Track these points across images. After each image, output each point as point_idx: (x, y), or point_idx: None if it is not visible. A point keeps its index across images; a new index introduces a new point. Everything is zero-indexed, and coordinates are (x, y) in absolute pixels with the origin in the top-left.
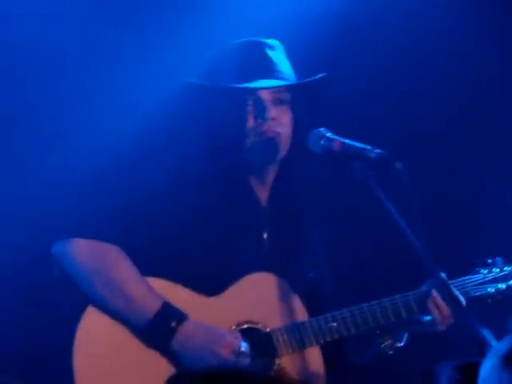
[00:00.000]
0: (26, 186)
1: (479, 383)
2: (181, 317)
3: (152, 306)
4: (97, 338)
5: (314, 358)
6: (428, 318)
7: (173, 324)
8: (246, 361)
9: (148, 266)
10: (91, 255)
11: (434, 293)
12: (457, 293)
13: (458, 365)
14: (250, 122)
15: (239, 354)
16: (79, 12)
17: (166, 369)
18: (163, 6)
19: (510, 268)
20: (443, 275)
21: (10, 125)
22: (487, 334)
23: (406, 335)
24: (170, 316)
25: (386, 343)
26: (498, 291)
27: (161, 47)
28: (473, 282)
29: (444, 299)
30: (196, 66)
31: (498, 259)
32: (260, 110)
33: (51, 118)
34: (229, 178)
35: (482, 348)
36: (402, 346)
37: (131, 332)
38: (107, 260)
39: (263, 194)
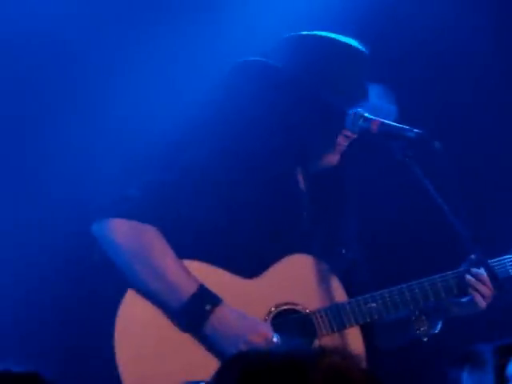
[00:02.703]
0: (65, 166)
1: None
2: (216, 300)
3: (188, 289)
4: (137, 321)
5: (354, 338)
6: (466, 298)
7: (207, 307)
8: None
9: (187, 248)
10: (130, 236)
11: (474, 270)
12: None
13: (500, 345)
14: (342, 140)
15: (271, 343)
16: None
17: (199, 353)
18: None
19: None
20: (483, 256)
21: (50, 107)
22: None
23: (440, 322)
24: (205, 299)
25: (422, 329)
26: None
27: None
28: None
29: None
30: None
31: None
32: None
33: (96, 99)
34: (276, 163)
35: None
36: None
37: (169, 315)
38: (146, 241)
39: (301, 176)
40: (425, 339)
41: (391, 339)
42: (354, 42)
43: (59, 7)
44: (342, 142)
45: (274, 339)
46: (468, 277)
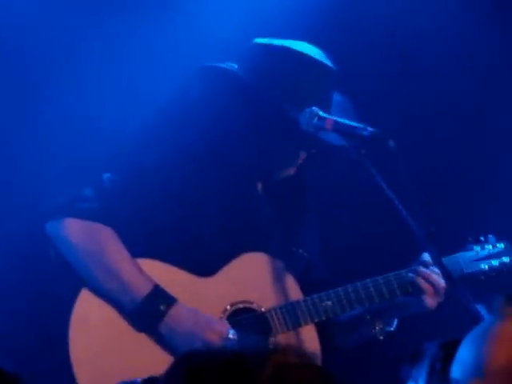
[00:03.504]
0: (20, 165)
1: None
2: (170, 300)
3: (142, 289)
4: (91, 320)
5: (310, 336)
6: (420, 296)
7: (162, 307)
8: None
9: (143, 247)
10: (84, 236)
11: (426, 269)
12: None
13: (443, 342)
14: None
15: (227, 339)
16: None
17: (155, 352)
18: None
19: (502, 245)
20: (436, 252)
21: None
22: (482, 310)
23: (396, 320)
24: (159, 299)
25: (377, 328)
26: (491, 268)
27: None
28: (466, 258)
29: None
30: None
31: (491, 236)
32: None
33: (56, 103)
34: (233, 165)
35: (476, 324)
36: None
37: (123, 314)
38: (100, 241)
39: (259, 180)
40: (381, 337)
41: (347, 338)
42: (321, 56)
43: None
44: (302, 156)
45: (230, 335)
46: (418, 275)
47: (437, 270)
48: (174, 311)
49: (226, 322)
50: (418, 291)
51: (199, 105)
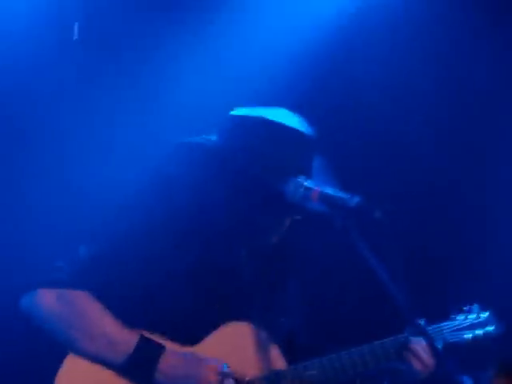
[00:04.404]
0: None
1: None
2: (160, 347)
3: (130, 341)
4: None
5: None
6: (407, 366)
7: (153, 355)
8: (231, 381)
9: (123, 317)
10: (60, 303)
11: (413, 341)
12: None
13: None
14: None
15: (223, 374)
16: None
17: None
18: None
19: (485, 315)
20: (422, 324)
21: None
22: (468, 381)
23: None
24: (149, 348)
25: None
26: (474, 337)
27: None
28: (449, 328)
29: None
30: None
31: (475, 306)
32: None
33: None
34: (216, 236)
35: None
36: None
37: (113, 372)
38: (76, 305)
39: (243, 249)
40: None
41: None
42: (300, 126)
43: None
44: (286, 223)
45: (225, 369)
46: (411, 345)
47: (422, 341)
48: (165, 357)
49: (215, 359)
50: (403, 360)
51: (177, 179)
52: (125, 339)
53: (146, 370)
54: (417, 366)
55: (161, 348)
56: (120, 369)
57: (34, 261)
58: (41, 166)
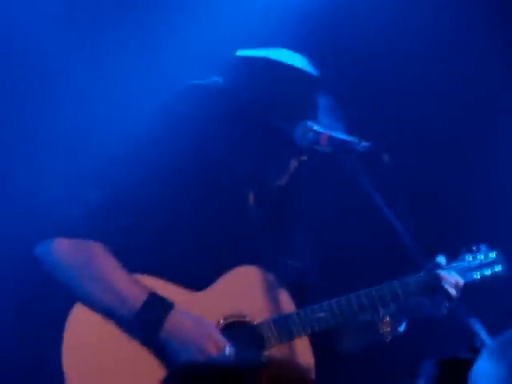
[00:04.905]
0: (9, 188)
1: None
2: (168, 306)
3: (139, 298)
4: (85, 335)
5: (303, 348)
6: (427, 300)
7: (160, 313)
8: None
9: (134, 263)
10: (74, 253)
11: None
12: (450, 282)
13: (437, 361)
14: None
15: (223, 354)
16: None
17: (154, 363)
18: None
19: (494, 254)
20: (433, 265)
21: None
22: (477, 325)
23: (404, 323)
24: (157, 305)
25: (385, 330)
26: (483, 277)
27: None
28: (460, 268)
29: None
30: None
31: (483, 246)
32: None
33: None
34: (224, 180)
35: (472, 339)
36: (390, 342)
37: (119, 326)
38: (90, 256)
39: (251, 193)
40: (388, 339)
41: (354, 341)
42: (304, 65)
43: None
44: (293, 165)
45: (227, 351)
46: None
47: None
48: (173, 317)
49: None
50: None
51: (184, 119)
52: (134, 295)
53: (152, 328)
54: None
55: (168, 307)
56: (127, 325)
57: (48, 209)
58: (51, 111)
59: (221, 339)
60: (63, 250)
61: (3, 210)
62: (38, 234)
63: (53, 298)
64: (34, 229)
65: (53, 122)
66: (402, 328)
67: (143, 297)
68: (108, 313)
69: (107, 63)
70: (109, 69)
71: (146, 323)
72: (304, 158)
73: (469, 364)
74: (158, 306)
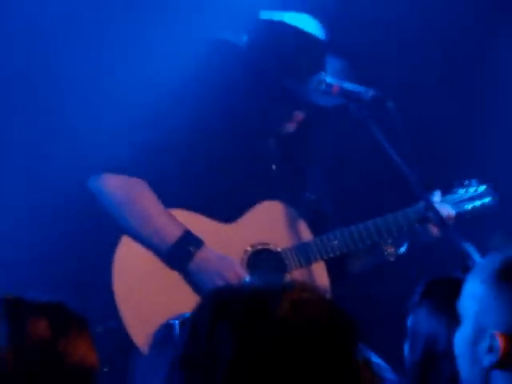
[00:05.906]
0: (62, 127)
1: (465, 300)
2: (198, 243)
3: (174, 233)
4: (132, 263)
5: (320, 271)
6: (426, 226)
7: (191, 249)
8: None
9: (172, 198)
10: (120, 188)
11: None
12: (444, 211)
13: (433, 280)
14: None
15: (243, 281)
16: None
17: (187, 289)
18: None
19: (483, 188)
20: (431, 197)
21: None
22: (471, 249)
23: (406, 244)
24: (189, 242)
25: (389, 251)
26: (474, 208)
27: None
28: (453, 199)
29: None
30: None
31: (473, 180)
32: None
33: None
34: (247, 126)
35: (465, 263)
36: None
37: (159, 257)
38: (134, 193)
39: (272, 137)
40: (392, 259)
41: (361, 262)
42: (314, 28)
43: None
44: (299, 115)
45: (247, 279)
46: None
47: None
48: (201, 253)
49: (244, 267)
50: (424, 223)
51: (212, 73)
52: (170, 230)
53: (183, 260)
54: (431, 228)
55: (199, 244)
56: (162, 255)
57: (99, 147)
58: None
59: (241, 270)
60: (112, 184)
61: (60, 144)
62: (91, 169)
63: (106, 228)
64: (87, 164)
65: (94, 73)
66: (404, 249)
67: (178, 233)
68: (147, 243)
69: (132, 22)
70: (137, 27)
71: (178, 257)
72: (310, 110)
73: (462, 283)
74: (190, 243)
